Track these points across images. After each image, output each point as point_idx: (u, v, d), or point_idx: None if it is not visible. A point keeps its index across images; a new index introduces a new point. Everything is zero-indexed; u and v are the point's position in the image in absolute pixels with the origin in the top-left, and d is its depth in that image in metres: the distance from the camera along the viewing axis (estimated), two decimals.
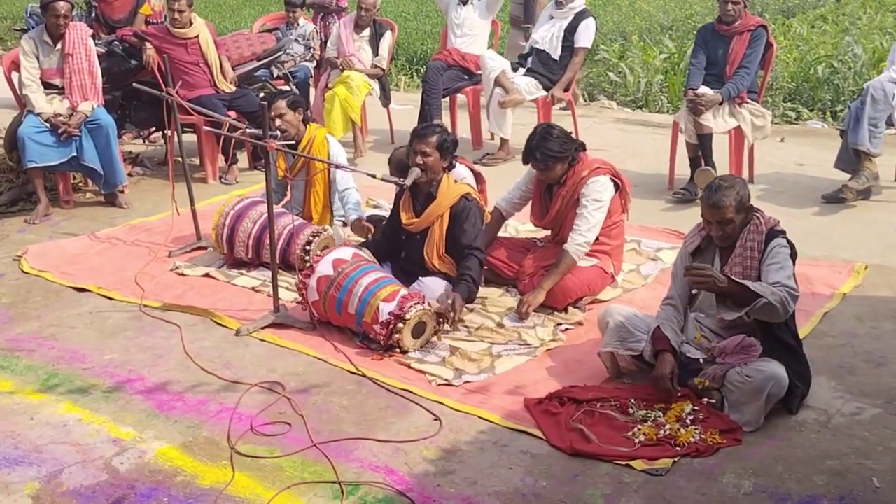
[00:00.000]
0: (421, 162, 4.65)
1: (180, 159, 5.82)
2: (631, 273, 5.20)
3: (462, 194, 4.72)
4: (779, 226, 3.77)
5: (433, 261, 4.72)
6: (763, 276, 3.66)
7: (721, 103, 6.32)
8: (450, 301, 4.44)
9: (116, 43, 7.28)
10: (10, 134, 6.68)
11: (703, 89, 6.35)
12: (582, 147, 4.86)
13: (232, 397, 3.97)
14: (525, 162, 4.88)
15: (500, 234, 5.28)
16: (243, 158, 7.75)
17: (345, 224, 5.62)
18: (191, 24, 7.13)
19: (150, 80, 6.67)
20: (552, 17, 7.58)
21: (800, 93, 9.44)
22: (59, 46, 6.48)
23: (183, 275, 5.38)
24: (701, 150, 6.41)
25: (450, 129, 5.42)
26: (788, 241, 3.74)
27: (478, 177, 5.45)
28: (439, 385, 4.03)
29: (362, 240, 5.23)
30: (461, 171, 5.21)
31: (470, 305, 4.74)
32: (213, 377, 4.16)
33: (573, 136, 4.91)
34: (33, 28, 7.16)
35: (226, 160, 7.37)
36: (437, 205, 4.70)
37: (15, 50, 6.88)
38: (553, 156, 4.72)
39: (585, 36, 7.45)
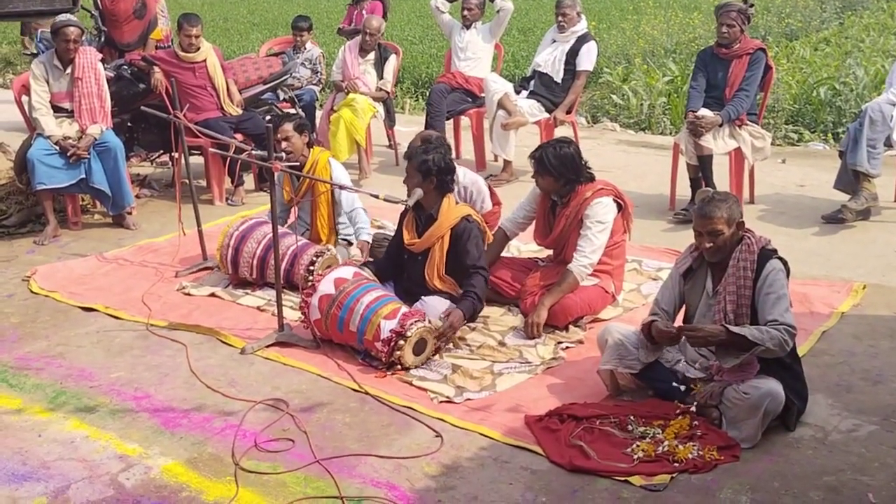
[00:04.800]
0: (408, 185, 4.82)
1: (187, 181, 5.90)
2: (632, 293, 5.26)
3: (463, 216, 4.79)
4: (770, 245, 3.82)
5: (434, 281, 4.79)
6: (759, 307, 3.70)
7: (721, 125, 6.39)
8: (446, 314, 4.49)
9: (125, 67, 7.40)
10: (20, 156, 6.77)
11: (703, 111, 6.43)
12: (589, 178, 4.89)
13: (236, 414, 4.02)
14: (530, 156, 4.94)
15: (503, 253, 5.34)
16: (249, 180, 7.84)
17: (349, 244, 5.70)
18: (198, 48, 7.24)
19: (158, 104, 6.75)
20: (554, 41, 7.69)
21: (802, 115, 9.50)
22: (68, 70, 6.60)
23: (189, 294, 5.45)
24: (701, 171, 6.48)
25: (452, 151, 5.52)
26: (781, 258, 3.79)
27: (490, 189, 5.66)
28: (441, 402, 4.08)
29: (364, 258, 5.33)
30: (473, 176, 5.49)
31: (472, 324, 4.80)
32: (218, 395, 4.22)
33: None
34: (43, 52, 7.27)
35: (232, 182, 7.46)
36: (438, 226, 4.78)
37: (25, 74, 7.00)
38: (547, 167, 4.78)
39: (587, 59, 7.57)
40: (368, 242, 5.59)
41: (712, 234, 3.76)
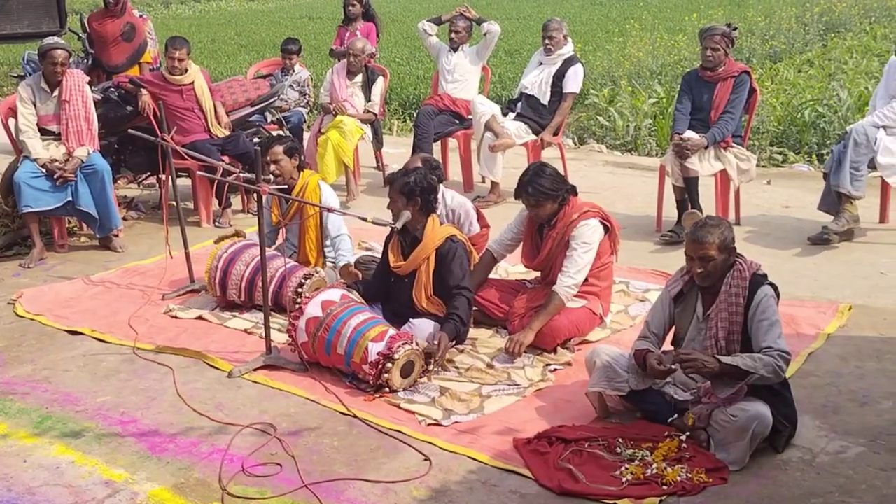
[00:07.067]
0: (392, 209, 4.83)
1: (174, 203, 5.89)
2: (619, 314, 5.27)
3: (447, 236, 4.81)
4: (760, 270, 3.84)
5: (422, 303, 4.79)
6: (752, 334, 3.72)
7: (706, 147, 6.43)
8: (436, 341, 4.50)
9: (112, 89, 7.40)
10: (6, 179, 6.75)
11: (689, 134, 6.47)
12: (573, 191, 4.95)
13: (224, 439, 4.00)
14: (516, 197, 4.96)
15: (491, 275, 5.35)
16: (237, 202, 7.83)
17: (335, 267, 5.69)
18: (186, 70, 7.25)
19: (146, 126, 6.76)
20: (541, 63, 7.74)
21: (786, 136, 9.56)
22: (56, 93, 6.59)
23: (176, 317, 5.42)
24: (688, 192, 6.51)
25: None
26: (772, 284, 3.81)
27: (477, 212, 5.67)
28: (429, 425, 4.07)
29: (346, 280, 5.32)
30: (460, 199, 5.53)
31: (460, 346, 4.80)
32: (205, 419, 4.20)
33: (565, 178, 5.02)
34: (30, 75, 7.26)
35: (219, 204, 7.45)
36: (423, 247, 4.79)
37: (12, 96, 6.98)
38: (544, 192, 4.80)
39: (574, 81, 7.62)
40: (349, 263, 5.56)
41: (704, 260, 3.77)
